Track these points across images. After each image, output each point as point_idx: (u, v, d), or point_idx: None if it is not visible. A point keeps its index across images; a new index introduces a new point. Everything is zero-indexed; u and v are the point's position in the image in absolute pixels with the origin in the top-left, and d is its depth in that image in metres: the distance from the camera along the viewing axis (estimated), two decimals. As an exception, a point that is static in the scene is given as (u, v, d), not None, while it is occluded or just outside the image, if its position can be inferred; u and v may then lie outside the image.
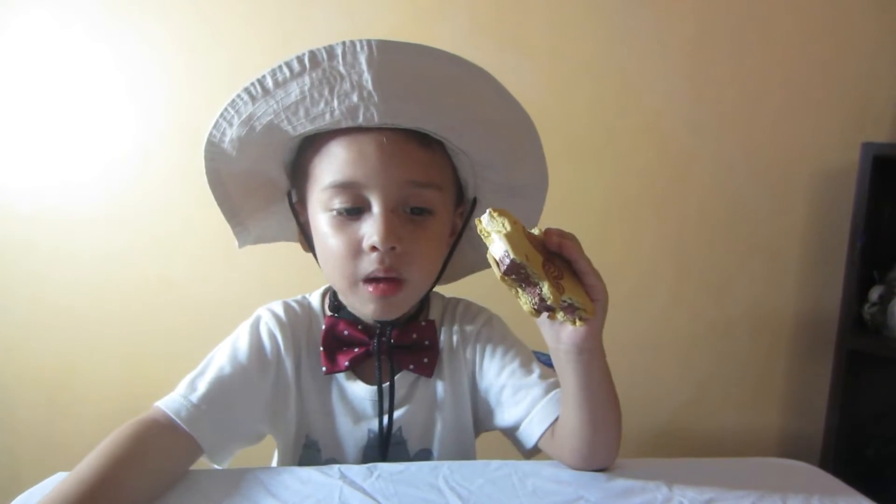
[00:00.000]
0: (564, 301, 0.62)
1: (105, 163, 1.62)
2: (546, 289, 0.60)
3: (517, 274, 0.59)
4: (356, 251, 0.75)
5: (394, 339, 0.81)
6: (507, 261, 0.58)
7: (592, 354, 0.68)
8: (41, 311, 1.67)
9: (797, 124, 1.68)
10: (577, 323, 0.65)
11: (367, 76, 0.68)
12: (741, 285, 1.73)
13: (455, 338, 0.87)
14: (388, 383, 0.81)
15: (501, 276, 0.60)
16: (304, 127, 0.74)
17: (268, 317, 0.83)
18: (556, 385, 0.80)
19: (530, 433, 0.80)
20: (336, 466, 0.74)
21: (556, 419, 0.77)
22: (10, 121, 1.60)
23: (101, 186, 1.63)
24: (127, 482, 0.63)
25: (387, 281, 0.75)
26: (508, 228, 0.60)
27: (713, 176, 1.69)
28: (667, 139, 1.68)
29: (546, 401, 0.79)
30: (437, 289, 0.92)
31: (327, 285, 0.88)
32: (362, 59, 0.67)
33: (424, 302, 0.88)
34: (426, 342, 0.83)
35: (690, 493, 0.70)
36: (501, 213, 0.61)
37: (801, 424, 1.78)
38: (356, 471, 0.73)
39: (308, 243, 0.84)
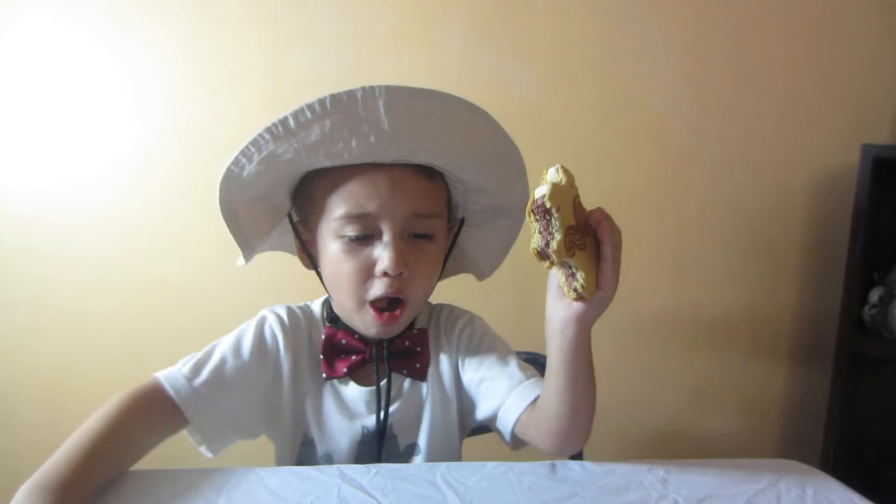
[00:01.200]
0: (567, 263, 0.66)
1: (105, 164, 1.62)
2: (556, 240, 0.62)
3: (541, 216, 0.63)
4: (367, 275, 0.80)
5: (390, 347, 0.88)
6: (540, 201, 0.63)
7: (577, 340, 0.71)
8: (41, 312, 1.67)
9: (797, 125, 1.68)
10: (571, 294, 0.68)
11: (384, 119, 0.74)
12: (741, 285, 1.73)
13: (441, 339, 0.93)
14: (384, 382, 0.87)
15: (528, 210, 0.64)
16: (322, 163, 0.79)
17: (272, 318, 0.89)
18: (531, 375, 0.86)
19: (507, 418, 0.84)
20: (335, 466, 0.75)
21: (532, 402, 0.82)
22: (10, 122, 1.61)
23: (101, 188, 1.63)
24: (121, 448, 0.73)
25: (391, 308, 0.82)
26: (561, 182, 0.65)
27: (713, 176, 1.69)
28: (667, 140, 1.68)
29: (521, 387, 0.84)
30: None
31: (326, 296, 0.93)
32: (380, 104, 0.73)
33: None
34: (418, 349, 0.89)
35: (685, 491, 0.70)
36: (566, 172, 0.67)
37: (801, 426, 1.78)
38: (355, 469, 0.74)
39: (311, 262, 0.88)
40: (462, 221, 0.92)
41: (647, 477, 0.74)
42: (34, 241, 1.64)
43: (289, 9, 1.59)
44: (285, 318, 0.89)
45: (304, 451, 0.88)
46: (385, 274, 0.79)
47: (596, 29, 1.63)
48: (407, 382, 0.89)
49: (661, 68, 1.66)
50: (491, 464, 0.77)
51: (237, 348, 0.85)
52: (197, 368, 0.81)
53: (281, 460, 0.89)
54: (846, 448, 1.63)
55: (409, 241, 0.81)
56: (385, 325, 0.82)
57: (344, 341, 0.86)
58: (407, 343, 0.88)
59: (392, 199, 0.79)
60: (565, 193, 0.65)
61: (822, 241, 1.71)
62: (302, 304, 0.94)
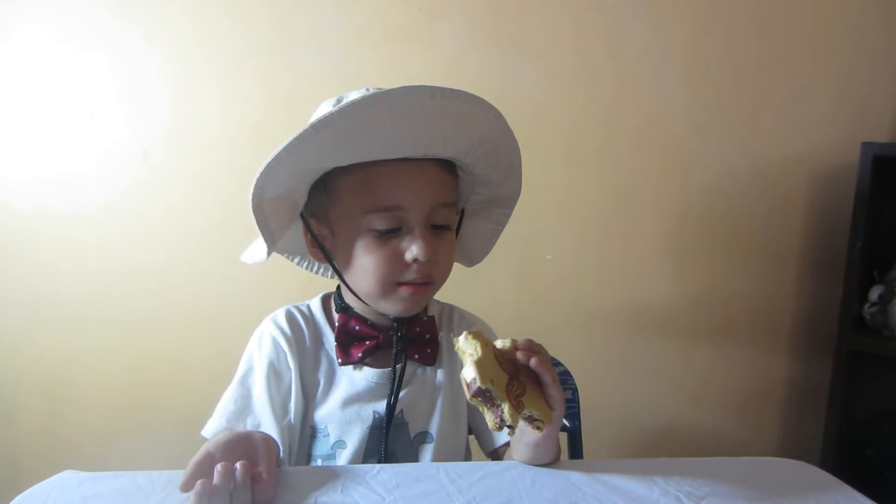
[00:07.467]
0: (525, 414, 0.70)
1: (105, 162, 1.62)
2: (506, 411, 0.67)
3: (483, 397, 0.67)
4: (397, 263, 0.85)
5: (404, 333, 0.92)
6: (475, 387, 0.67)
7: (547, 448, 0.79)
8: (41, 308, 1.67)
9: (797, 124, 1.68)
10: (536, 430, 0.72)
11: (409, 117, 0.76)
12: (741, 283, 1.73)
13: (454, 334, 0.93)
14: (400, 365, 0.91)
15: (470, 397, 0.68)
16: (358, 158, 0.82)
17: (275, 333, 0.93)
18: None
19: (489, 444, 0.96)
20: (341, 464, 0.78)
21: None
22: (11, 119, 1.60)
23: (101, 185, 1.63)
24: None
25: (423, 284, 0.87)
26: (479, 353, 0.68)
27: (713, 174, 1.69)
28: (667, 139, 1.68)
29: None
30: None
31: (324, 293, 1.00)
32: (403, 102, 0.75)
33: None
34: (427, 336, 0.94)
35: (687, 488, 0.71)
36: (476, 336, 0.70)
37: (801, 424, 1.78)
38: (359, 467, 0.76)
39: (325, 255, 0.91)
40: (462, 212, 0.98)
41: (648, 474, 0.74)
42: (34, 238, 1.64)
43: (288, 8, 1.59)
44: (286, 327, 0.93)
45: (317, 442, 0.90)
46: (416, 261, 0.84)
47: (596, 27, 1.63)
48: (419, 370, 0.94)
49: (661, 66, 1.66)
50: (492, 463, 0.79)
51: (256, 380, 0.90)
52: (242, 419, 0.87)
53: (295, 450, 0.91)
54: (846, 447, 1.63)
55: (432, 230, 0.86)
56: (415, 295, 0.86)
57: (357, 328, 0.92)
58: (418, 329, 0.93)
59: (420, 191, 0.84)
60: (488, 360, 0.69)
61: (822, 239, 1.71)
62: (301, 304, 0.99)
